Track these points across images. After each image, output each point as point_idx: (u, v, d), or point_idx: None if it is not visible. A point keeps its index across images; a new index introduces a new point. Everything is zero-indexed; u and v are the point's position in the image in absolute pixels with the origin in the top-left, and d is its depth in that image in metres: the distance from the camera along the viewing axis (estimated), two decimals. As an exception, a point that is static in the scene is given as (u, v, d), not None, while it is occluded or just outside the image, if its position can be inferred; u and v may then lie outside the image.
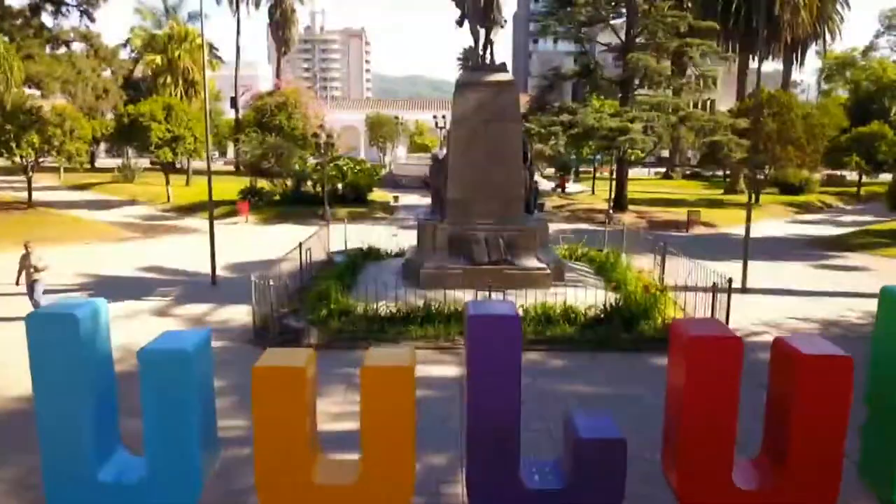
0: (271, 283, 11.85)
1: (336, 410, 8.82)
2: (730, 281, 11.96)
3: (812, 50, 51.46)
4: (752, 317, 13.68)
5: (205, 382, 4.74)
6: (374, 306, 12.19)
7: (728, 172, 45.95)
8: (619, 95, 33.45)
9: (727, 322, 11.87)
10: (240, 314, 13.19)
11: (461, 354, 11.02)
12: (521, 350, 4.49)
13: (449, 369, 10.49)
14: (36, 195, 32.23)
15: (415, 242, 15.94)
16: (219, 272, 16.90)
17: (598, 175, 45.72)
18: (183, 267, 18.43)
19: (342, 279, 14.44)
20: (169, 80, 46.26)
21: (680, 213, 30.84)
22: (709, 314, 11.94)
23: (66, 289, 15.87)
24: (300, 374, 4.44)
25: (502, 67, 14.98)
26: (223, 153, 70.80)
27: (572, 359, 11.05)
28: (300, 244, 15.34)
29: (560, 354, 11.20)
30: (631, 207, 33.34)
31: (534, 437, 7.93)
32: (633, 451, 4.83)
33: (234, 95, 56.39)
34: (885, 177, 51.92)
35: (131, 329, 12.58)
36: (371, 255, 18.06)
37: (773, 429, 4.86)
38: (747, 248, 16.35)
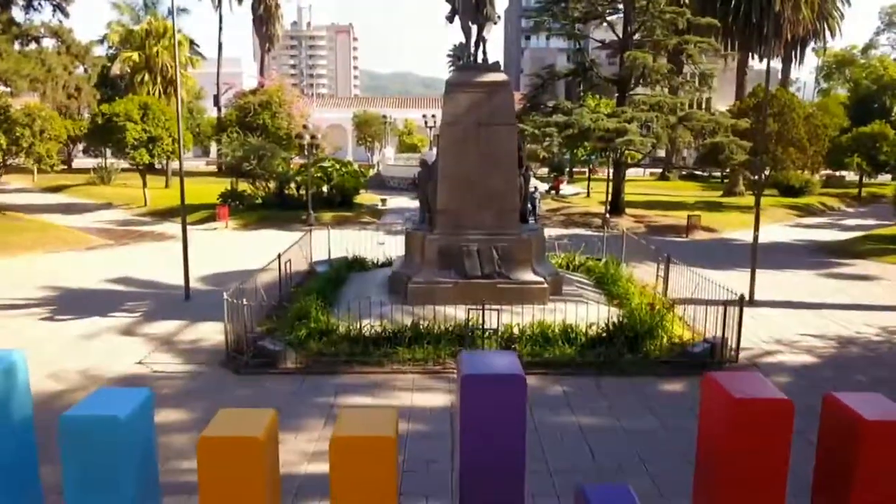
0: (245, 302, 11.07)
1: (312, 449, 8.08)
2: (741, 298, 11.32)
3: (809, 47, 51.18)
4: (762, 334, 13.08)
5: (143, 453, 3.99)
6: (358, 325, 11.46)
7: (727, 173, 45.50)
8: (616, 95, 32.85)
9: (738, 341, 11.28)
10: (213, 333, 12.43)
11: (452, 380, 10.31)
12: (526, 416, 3.77)
13: (438, 397, 9.78)
14: (6, 198, 31.36)
15: (402, 250, 15.25)
16: (194, 284, 16.13)
17: (593, 176, 45.15)
18: (155, 278, 17.64)
19: (323, 294, 13.70)
20: (147, 77, 45.28)
21: (679, 217, 30.28)
22: (719, 333, 11.30)
23: (25, 303, 15.03)
24: (256, 447, 3.71)
25: (495, 66, 14.29)
26: (206, 153, 69.85)
27: (573, 384, 10.36)
28: (279, 255, 14.59)
29: (560, 379, 10.51)
30: (628, 211, 32.77)
31: (532, 480, 7.22)
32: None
33: (216, 93, 55.55)
34: (885, 178, 51.76)
35: (93, 350, 11.81)
36: (356, 265, 17.35)
37: (826, 499, 4.17)
38: (755, 259, 15.73)
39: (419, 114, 60.81)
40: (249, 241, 24.33)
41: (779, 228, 30.17)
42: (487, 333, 11.27)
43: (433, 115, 50.01)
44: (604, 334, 11.58)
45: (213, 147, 57.96)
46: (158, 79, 45.93)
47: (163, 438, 8.26)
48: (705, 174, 57.40)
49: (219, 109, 52.03)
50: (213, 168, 54.67)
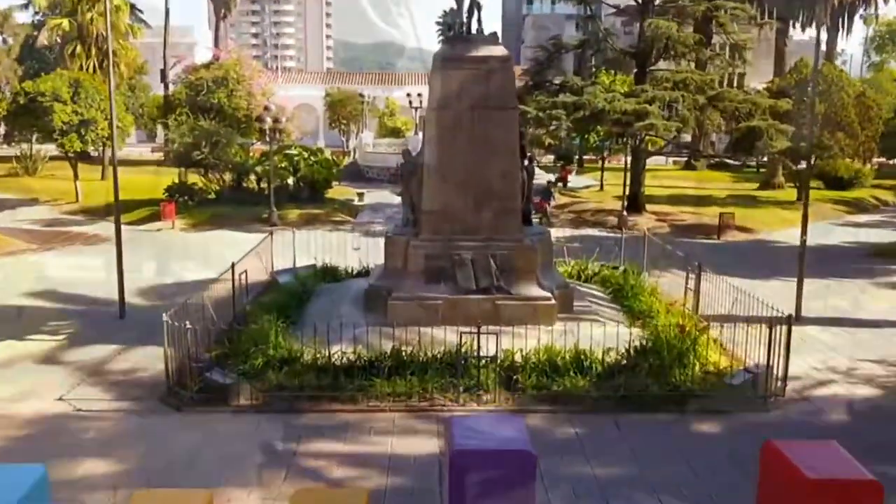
0: (188, 324, 10.66)
1: (269, 510, 7.70)
2: (789, 317, 11.03)
3: (857, 15, 51.27)
4: (812, 359, 12.82)
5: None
6: (327, 352, 11.11)
7: (763, 162, 45.36)
8: (634, 71, 32.58)
9: (786, 369, 10.98)
10: (152, 360, 12.05)
11: (440, 419, 9.95)
12: (535, 500, 3.38)
13: (423, 442, 9.45)
14: None
15: (381, 257, 14.94)
16: (131, 299, 15.75)
17: (607, 165, 44.95)
18: (85, 291, 17.19)
19: (286, 312, 13.36)
20: (80, 49, 44.68)
21: (708, 215, 30.12)
22: (762, 359, 11.02)
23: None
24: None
25: (493, 39, 14.00)
26: (151, 138, 69.23)
27: (587, 423, 10.07)
28: (233, 265, 14.20)
29: (571, 417, 10.23)
30: (649, 207, 32.55)
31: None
32: None
33: (163, 68, 54.93)
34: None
35: (5, 383, 11.39)
36: (326, 275, 17.02)
37: None
38: (802, 268, 15.44)
39: (403, 92, 60.55)
40: (200, 245, 23.95)
41: (825, 227, 29.95)
42: (484, 362, 10.95)
43: (419, 94, 49.63)
44: (624, 362, 11.34)
45: (161, 131, 57.39)
46: (93, 51, 45.22)
47: (85, 496, 7.89)
48: (738, 163, 57.18)
49: (166, 87, 51.42)
50: (160, 156, 54.03)
